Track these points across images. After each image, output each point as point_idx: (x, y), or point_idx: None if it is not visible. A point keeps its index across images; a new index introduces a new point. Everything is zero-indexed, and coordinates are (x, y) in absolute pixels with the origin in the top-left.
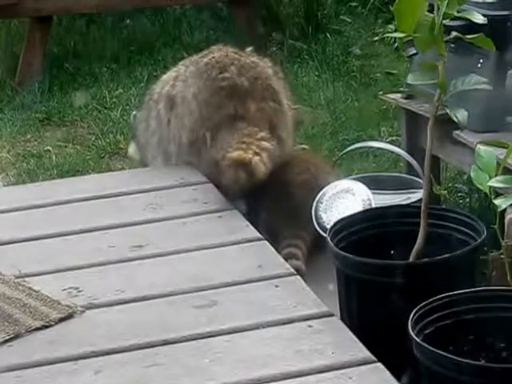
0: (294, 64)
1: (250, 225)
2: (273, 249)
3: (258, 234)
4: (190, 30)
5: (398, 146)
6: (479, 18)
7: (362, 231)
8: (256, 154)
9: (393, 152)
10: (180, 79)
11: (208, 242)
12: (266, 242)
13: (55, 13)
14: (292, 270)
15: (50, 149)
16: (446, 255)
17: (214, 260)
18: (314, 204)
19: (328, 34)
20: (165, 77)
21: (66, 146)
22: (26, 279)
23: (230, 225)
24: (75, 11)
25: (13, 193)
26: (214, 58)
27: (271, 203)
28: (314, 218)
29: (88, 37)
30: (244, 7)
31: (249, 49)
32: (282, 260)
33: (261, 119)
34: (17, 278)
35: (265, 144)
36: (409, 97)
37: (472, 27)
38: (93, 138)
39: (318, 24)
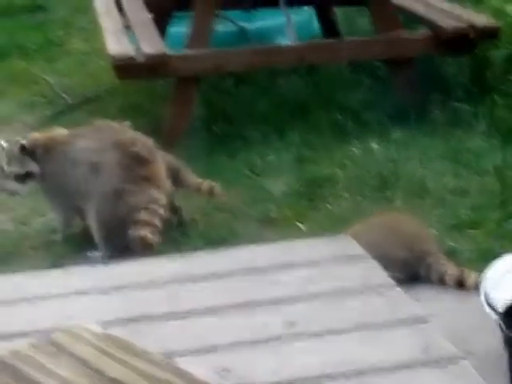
0: (457, 127)
1: (412, 303)
2: (437, 331)
3: (422, 314)
4: (345, 90)
5: None
6: None
7: None
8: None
9: None
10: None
11: (368, 320)
12: (430, 322)
13: (204, 72)
14: (460, 354)
15: (196, 217)
16: None
17: (374, 340)
18: (484, 280)
19: (496, 96)
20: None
21: (212, 214)
22: (174, 358)
23: (391, 303)
24: (225, 70)
25: (157, 265)
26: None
27: None
28: (482, 296)
29: (237, 97)
30: (404, 66)
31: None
32: (448, 342)
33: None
34: (165, 356)
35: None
36: None
37: None
38: (242, 206)
39: (484, 84)
